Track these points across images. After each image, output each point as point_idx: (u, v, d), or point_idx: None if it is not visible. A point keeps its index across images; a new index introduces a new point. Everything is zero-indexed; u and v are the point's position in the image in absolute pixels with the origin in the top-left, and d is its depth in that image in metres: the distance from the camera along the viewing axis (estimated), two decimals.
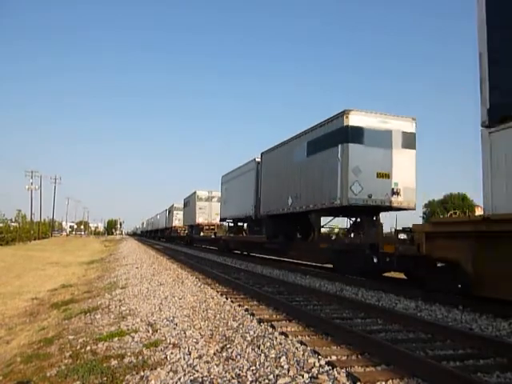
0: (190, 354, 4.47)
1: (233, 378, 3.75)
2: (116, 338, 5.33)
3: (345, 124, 12.47)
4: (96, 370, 4.20)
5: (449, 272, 7.87)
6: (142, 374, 4.03)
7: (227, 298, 7.92)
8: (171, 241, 48.51)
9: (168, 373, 3.98)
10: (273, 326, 5.53)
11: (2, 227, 44.53)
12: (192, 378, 3.81)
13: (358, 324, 5.84)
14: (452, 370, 3.57)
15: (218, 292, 8.73)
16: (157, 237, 66.12)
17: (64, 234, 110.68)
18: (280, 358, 4.20)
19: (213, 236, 30.35)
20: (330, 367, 3.89)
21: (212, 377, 3.80)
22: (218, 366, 4.09)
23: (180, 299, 7.93)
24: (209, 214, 33.85)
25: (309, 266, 15.62)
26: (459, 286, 7.70)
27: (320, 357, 4.18)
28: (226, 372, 3.91)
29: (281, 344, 4.68)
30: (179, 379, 3.80)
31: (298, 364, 4.01)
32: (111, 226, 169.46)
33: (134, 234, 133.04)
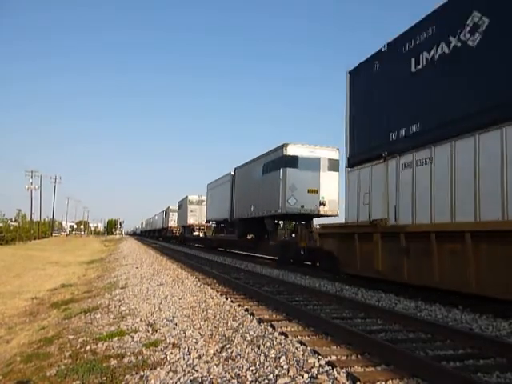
0: (189, 354, 4.47)
1: (232, 378, 3.74)
2: (116, 338, 5.33)
3: (284, 154, 17.41)
4: (96, 369, 4.20)
5: (330, 258, 11.63)
6: (142, 373, 4.03)
7: (227, 298, 7.92)
8: (167, 240, 53.02)
9: (168, 373, 3.98)
10: (273, 326, 5.53)
11: (2, 227, 44.58)
12: (192, 377, 3.81)
13: (357, 324, 5.83)
14: (452, 370, 3.57)
15: (217, 292, 8.73)
16: (154, 236, 70.13)
17: (64, 233, 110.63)
18: (280, 357, 4.20)
19: (201, 235, 36.02)
20: (330, 367, 3.89)
21: (212, 377, 3.80)
22: (217, 365, 4.09)
23: (180, 299, 7.93)
24: (199, 215, 37.63)
25: (308, 266, 15.64)
26: (335, 266, 11.38)
27: (320, 357, 4.18)
28: (225, 372, 3.91)
29: (281, 344, 4.67)
30: (179, 379, 3.80)
31: (297, 364, 4.00)
32: (111, 226, 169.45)
33: (133, 234, 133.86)
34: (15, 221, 54.56)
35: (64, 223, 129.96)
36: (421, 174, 8.42)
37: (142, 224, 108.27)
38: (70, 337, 5.77)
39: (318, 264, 13.96)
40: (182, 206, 41.98)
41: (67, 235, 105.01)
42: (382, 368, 3.88)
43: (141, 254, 23.67)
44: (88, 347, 5.07)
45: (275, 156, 18.24)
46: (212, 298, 7.93)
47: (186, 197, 39.64)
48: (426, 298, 7.92)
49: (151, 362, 4.32)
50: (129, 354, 4.66)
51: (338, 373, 3.72)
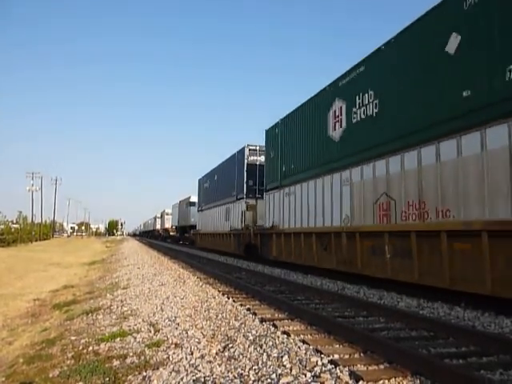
0: (192, 354, 4.47)
1: (235, 378, 3.74)
2: (118, 339, 5.33)
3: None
4: (98, 370, 4.20)
5: (257, 249, 17.48)
6: (145, 374, 4.03)
7: (229, 298, 7.92)
8: (155, 238, 66.88)
9: (170, 373, 3.98)
10: (275, 326, 5.52)
11: (4, 229, 44.61)
12: (194, 377, 3.81)
13: (360, 322, 5.83)
14: (455, 368, 3.57)
15: (219, 291, 8.72)
16: (148, 236, 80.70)
17: (65, 235, 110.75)
18: (282, 357, 4.19)
19: (171, 234, 49.82)
20: (333, 366, 3.88)
21: (214, 376, 3.79)
22: (220, 365, 4.09)
23: (182, 299, 7.93)
24: (172, 221, 51.10)
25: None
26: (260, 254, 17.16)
27: (322, 355, 4.17)
28: (228, 372, 3.91)
29: (283, 343, 4.67)
30: (181, 379, 3.80)
31: (300, 363, 4.00)
32: (112, 227, 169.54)
33: (134, 235, 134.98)
34: (16, 223, 54.57)
35: (65, 224, 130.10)
36: (290, 201, 14.41)
37: (140, 226, 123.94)
38: (73, 338, 5.77)
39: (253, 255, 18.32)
40: (163, 215, 59.60)
41: (68, 236, 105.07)
42: (385, 366, 3.87)
43: (142, 255, 23.68)
44: (90, 348, 5.07)
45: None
46: (214, 298, 7.93)
47: (164, 210, 58.43)
48: (428, 296, 7.91)
49: (154, 363, 4.32)
50: (131, 354, 4.66)
51: (341, 371, 3.71)
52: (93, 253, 33.64)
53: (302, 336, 4.97)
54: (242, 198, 19.76)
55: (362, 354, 4.25)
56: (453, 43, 7.54)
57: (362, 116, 10.26)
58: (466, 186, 7.10)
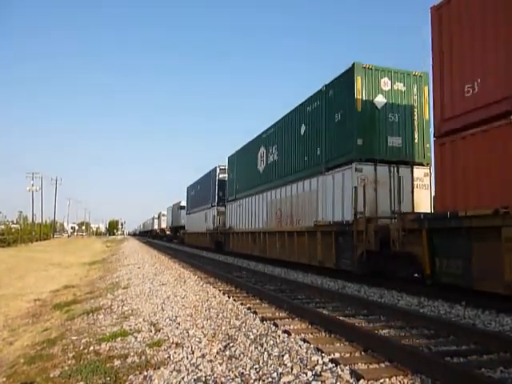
0: (193, 354, 4.47)
1: (236, 377, 3.74)
2: (119, 338, 5.32)
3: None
4: (99, 370, 4.20)
5: (222, 244, 23.76)
6: (146, 373, 4.03)
7: (229, 297, 7.92)
8: (153, 237, 72.27)
9: (171, 372, 3.98)
10: (275, 324, 5.53)
11: (4, 229, 44.64)
12: (195, 377, 3.81)
13: (360, 321, 5.83)
14: (456, 366, 3.57)
15: (220, 291, 8.73)
16: (147, 235, 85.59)
17: (65, 235, 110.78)
18: (283, 356, 4.19)
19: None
20: (334, 364, 3.88)
21: (215, 376, 3.80)
22: (221, 364, 4.09)
23: (182, 298, 7.93)
24: (167, 222, 56.80)
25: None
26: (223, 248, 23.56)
27: (323, 354, 4.17)
28: (229, 371, 3.91)
29: (284, 342, 4.67)
30: (182, 378, 3.80)
31: (301, 362, 4.00)
32: (113, 227, 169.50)
33: (134, 234, 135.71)
34: (17, 223, 54.61)
35: (65, 224, 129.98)
36: (241, 209, 20.50)
37: (140, 226, 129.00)
38: (73, 338, 5.77)
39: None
40: (160, 216, 65.09)
41: (69, 236, 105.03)
42: (386, 365, 3.88)
43: (143, 254, 23.68)
44: (91, 348, 5.07)
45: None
46: (214, 297, 7.93)
47: (160, 212, 64.32)
48: (428, 294, 7.91)
49: (155, 362, 4.32)
50: (132, 354, 4.66)
51: (342, 370, 3.71)
52: (93, 252, 33.65)
53: (302, 335, 4.97)
54: (214, 206, 25.94)
55: (362, 353, 4.25)
56: (302, 129, 13.88)
57: (271, 160, 16.81)
58: (303, 208, 13.50)
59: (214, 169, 26.73)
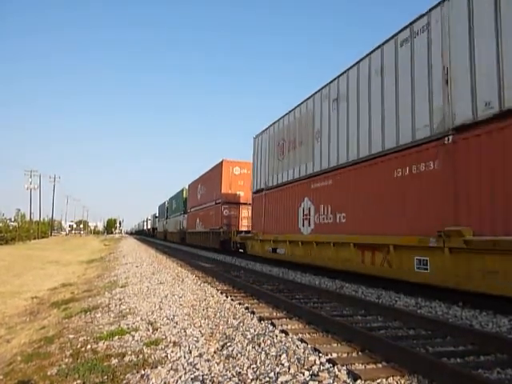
0: (190, 353, 4.47)
1: (233, 376, 3.74)
2: (116, 337, 5.32)
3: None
4: (97, 368, 4.19)
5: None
6: (143, 372, 4.03)
7: (227, 296, 7.92)
8: (145, 235, 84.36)
9: (169, 371, 3.98)
10: (273, 324, 5.53)
11: (2, 227, 44.44)
12: (193, 376, 3.81)
13: (358, 321, 5.84)
14: (453, 367, 3.58)
15: (218, 290, 8.73)
16: (143, 234, 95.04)
17: (63, 233, 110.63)
18: (280, 355, 4.20)
19: (154, 233, 57.87)
20: (331, 365, 3.88)
21: (213, 375, 3.80)
22: (218, 364, 4.09)
23: (180, 297, 7.93)
24: (155, 224, 67.12)
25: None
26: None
27: (320, 354, 4.18)
28: (226, 370, 3.91)
29: (281, 342, 4.67)
30: (180, 377, 3.80)
31: (298, 362, 4.00)
32: (111, 225, 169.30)
33: (131, 233, 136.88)
34: (14, 220, 54.43)
35: (63, 223, 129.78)
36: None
37: (136, 226, 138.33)
38: (71, 336, 5.76)
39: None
40: (147, 220, 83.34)
41: (67, 234, 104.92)
42: (383, 365, 3.88)
43: (140, 253, 23.66)
44: (89, 346, 5.06)
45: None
46: (212, 297, 7.93)
47: (147, 217, 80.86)
48: (426, 295, 7.93)
49: (152, 361, 4.32)
50: (129, 352, 4.65)
51: (339, 370, 3.72)
52: (91, 251, 33.61)
53: (300, 335, 4.97)
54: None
55: (359, 353, 4.26)
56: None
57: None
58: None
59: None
